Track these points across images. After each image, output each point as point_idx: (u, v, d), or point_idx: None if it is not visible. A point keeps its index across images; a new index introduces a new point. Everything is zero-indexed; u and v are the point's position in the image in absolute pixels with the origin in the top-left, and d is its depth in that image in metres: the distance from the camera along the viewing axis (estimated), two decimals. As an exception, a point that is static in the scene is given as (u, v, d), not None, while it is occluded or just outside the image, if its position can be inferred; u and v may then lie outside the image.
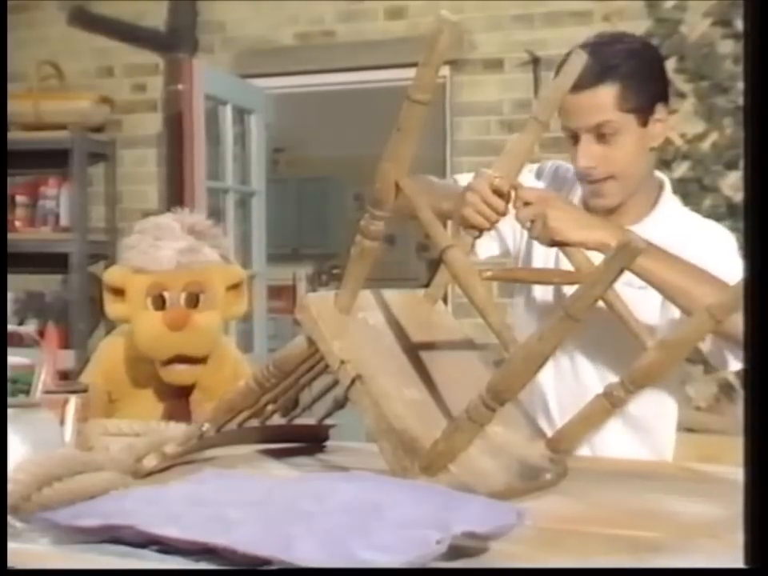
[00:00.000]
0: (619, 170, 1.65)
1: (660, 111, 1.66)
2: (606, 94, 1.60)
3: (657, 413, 1.74)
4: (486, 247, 1.81)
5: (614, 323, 1.46)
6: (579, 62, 1.49)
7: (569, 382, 1.73)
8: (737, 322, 1.31)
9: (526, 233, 1.71)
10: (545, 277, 1.62)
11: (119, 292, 1.84)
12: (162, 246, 1.80)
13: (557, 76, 1.57)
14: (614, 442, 1.65)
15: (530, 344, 1.11)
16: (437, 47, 1.17)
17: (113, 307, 1.85)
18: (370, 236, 1.29)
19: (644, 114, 1.63)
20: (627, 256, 1.05)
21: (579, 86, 1.56)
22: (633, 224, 1.67)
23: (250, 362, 2.11)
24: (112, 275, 1.86)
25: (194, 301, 1.81)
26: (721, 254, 1.63)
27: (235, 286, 1.87)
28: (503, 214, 1.49)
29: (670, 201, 1.76)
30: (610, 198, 1.68)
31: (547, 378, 1.73)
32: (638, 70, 1.61)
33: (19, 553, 0.97)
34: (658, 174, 1.79)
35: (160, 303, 1.81)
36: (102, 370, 1.90)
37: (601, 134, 1.62)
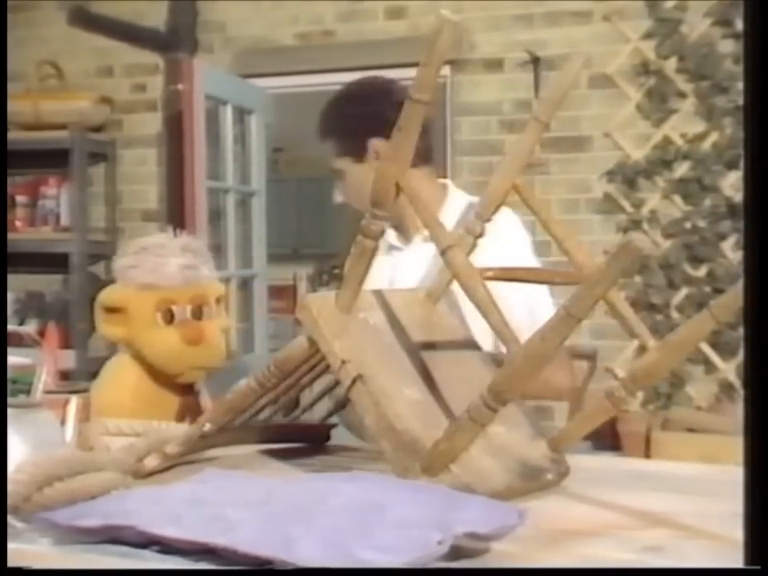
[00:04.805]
0: (352, 201, 2.09)
1: (376, 144, 1.97)
2: (328, 147, 2.08)
3: None
4: None
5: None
6: (579, 62, 1.49)
7: None
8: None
9: None
10: (546, 277, 1.62)
11: (118, 312, 1.85)
12: (168, 262, 1.83)
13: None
14: None
15: (532, 344, 1.11)
16: (437, 47, 1.17)
17: (112, 329, 1.86)
18: (371, 235, 1.29)
19: (357, 154, 2.01)
20: (629, 256, 1.05)
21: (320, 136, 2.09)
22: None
23: (251, 362, 2.13)
24: (112, 295, 1.86)
25: (198, 313, 1.85)
26: (500, 234, 1.75)
27: (219, 300, 1.92)
28: None
29: (452, 202, 2.01)
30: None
31: None
32: (344, 124, 2.05)
33: (19, 553, 0.97)
34: (442, 180, 2.13)
35: (169, 317, 1.84)
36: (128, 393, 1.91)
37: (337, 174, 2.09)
